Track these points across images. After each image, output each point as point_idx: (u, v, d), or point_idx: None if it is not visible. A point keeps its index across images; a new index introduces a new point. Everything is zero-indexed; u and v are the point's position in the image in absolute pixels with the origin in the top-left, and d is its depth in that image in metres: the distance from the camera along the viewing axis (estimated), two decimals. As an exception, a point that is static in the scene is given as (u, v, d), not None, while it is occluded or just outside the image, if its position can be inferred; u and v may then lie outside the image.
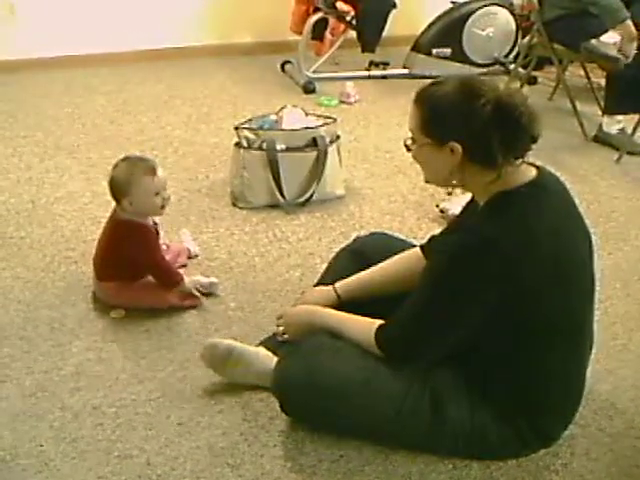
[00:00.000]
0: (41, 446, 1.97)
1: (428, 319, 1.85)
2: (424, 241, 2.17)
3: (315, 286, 2.31)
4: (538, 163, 1.87)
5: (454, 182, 1.86)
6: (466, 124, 1.75)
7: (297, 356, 1.99)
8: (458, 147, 1.77)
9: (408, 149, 1.88)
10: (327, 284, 2.24)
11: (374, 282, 2.19)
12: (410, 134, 1.87)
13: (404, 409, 1.88)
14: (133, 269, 2.49)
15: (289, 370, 1.97)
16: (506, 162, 1.76)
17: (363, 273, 2.20)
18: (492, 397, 1.88)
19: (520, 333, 1.82)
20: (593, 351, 2.00)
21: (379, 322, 1.93)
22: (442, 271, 1.83)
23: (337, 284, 2.21)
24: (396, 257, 2.19)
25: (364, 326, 1.96)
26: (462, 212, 2.08)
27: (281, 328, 2.18)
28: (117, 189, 2.43)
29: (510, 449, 1.95)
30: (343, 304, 2.16)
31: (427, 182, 1.93)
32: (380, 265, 2.19)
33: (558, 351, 1.85)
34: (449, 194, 1.90)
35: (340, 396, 1.89)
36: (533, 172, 1.83)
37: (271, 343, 2.20)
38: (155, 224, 2.53)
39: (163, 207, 2.47)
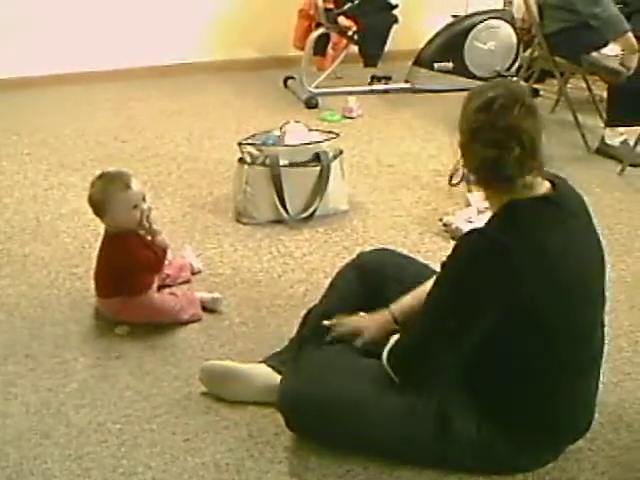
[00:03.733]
0: (46, 463, 1.96)
1: (438, 329, 1.83)
2: None
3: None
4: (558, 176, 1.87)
5: None
6: None
7: (302, 373, 1.99)
8: None
9: None
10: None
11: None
12: None
13: (411, 422, 1.88)
14: (131, 282, 2.49)
15: (294, 387, 1.97)
16: (519, 176, 1.76)
17: (415, 293, 2.08)
18: (498, 410, 1.88)
19: (520, 347, 1.81)
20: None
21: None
22: (447, 275, 1.84)
23: (392, 307, 2.10)
24: None
25: None
26: None
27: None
28: (95, 208, 2.48)
29: (518, 461, 1.94)
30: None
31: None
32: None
33: (561, 364, 1.84)
34: (469, 191, 1.91)
35: (346, 411, 1.89)
36: (547, 186, 1.82)
37: (275, 360, 2.19)
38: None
39: (145, 219, 2.45)
